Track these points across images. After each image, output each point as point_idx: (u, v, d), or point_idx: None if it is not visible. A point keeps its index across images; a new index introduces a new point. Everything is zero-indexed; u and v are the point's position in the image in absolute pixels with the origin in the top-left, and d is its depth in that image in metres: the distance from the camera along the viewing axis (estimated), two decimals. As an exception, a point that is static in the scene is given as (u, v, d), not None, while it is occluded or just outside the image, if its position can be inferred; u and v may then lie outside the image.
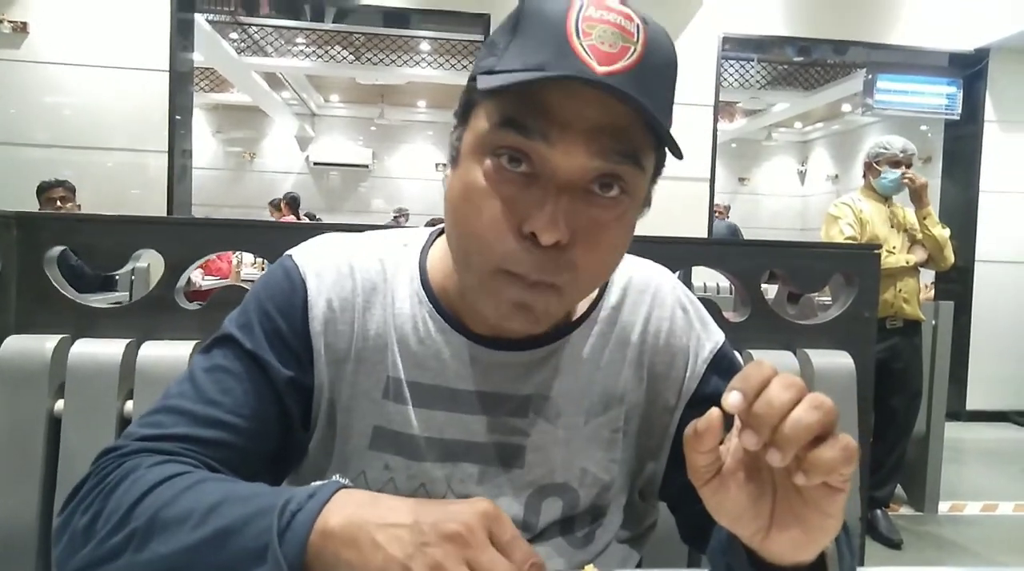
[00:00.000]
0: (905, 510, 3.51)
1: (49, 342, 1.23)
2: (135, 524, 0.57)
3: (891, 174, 3.14)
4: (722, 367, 0.82)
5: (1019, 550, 3.17)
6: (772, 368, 0.50)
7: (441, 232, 0.81)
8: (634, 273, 0.83)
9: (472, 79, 0.65)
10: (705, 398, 0.80)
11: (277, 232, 1.35)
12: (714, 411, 0.50)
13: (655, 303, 0.81)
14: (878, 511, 3.17)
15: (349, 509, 0.53)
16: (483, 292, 0.65)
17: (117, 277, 4.01)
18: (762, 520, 0.53)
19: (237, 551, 0.53)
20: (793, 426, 0.47)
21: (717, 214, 6.52)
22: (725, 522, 0.55)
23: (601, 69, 0.58)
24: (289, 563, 0.51)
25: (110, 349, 1.23)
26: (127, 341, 1.25)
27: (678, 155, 0.64)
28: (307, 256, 0.77)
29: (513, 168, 0.61)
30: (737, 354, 0.87)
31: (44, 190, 3.89)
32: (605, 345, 0.79)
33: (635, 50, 0.59)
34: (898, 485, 3.46)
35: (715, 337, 0.83)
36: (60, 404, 1.22)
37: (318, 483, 0.57)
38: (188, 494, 0.58)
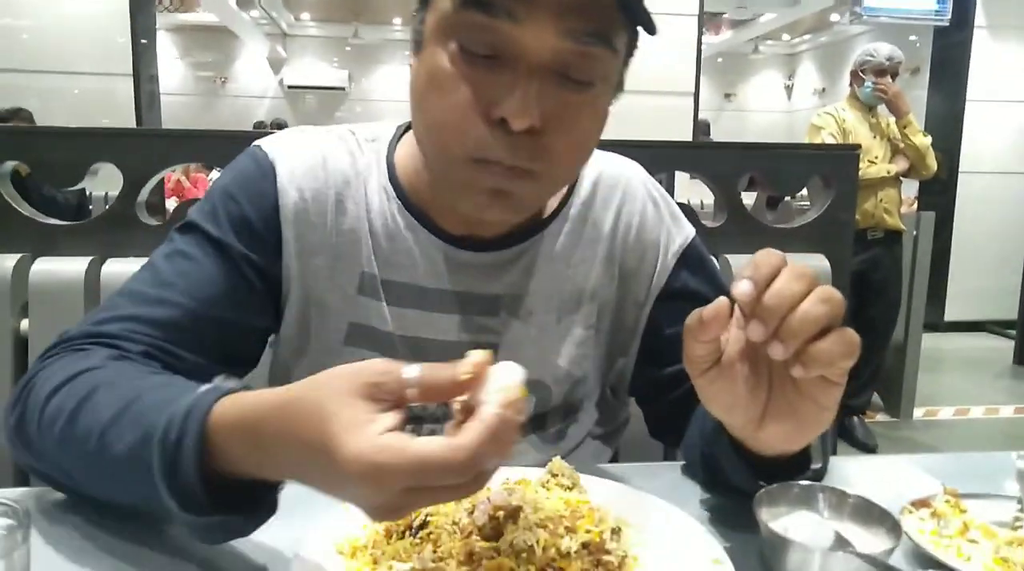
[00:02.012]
0: (881, 417, 3.61)
1: (8, 261, 1.19)
2: (52, 434, 0.57)
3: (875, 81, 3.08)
4: (692, 261, 0.81)
5: (987, 448, 3.29)
6: (782, 257, 0.48)
7: (408, 128, 0.78)
8: (604, 167, 0.81)
9: None
10: (674, 293, 0.79)
11: (242, 143, 1.29)
12: (722, 300, 0.49)
13: (626, 198, 0.80)
14: (855, 418, 3.26)
15: (236, 448, 0.47)
16: (458, 183, 0.64)
17: (91, 207, 3.92)
18: (756, 410, 0.52)
19: (136, 485, 0.51)
20: (801, 319, 0.46)
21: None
22: (718, 412, 0.55)
23: None
24: (195, 506, 0.47)
25: (72, 267, 1.20)
26: (89, 259, 1.21)
27: (651, 30, 0.61)
28: (277, 146, 0.74)
29: (479, 51, 0.59)
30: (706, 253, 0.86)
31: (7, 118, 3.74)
32: (576, 242, 0.78)
33: None
34: (875, 393, 3.55)
35: (685, 231, 0.82)
36: (25, 323, 1.20)
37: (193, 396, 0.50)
38: (86, 407, 0.56)
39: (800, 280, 0.47)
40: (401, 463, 0.39)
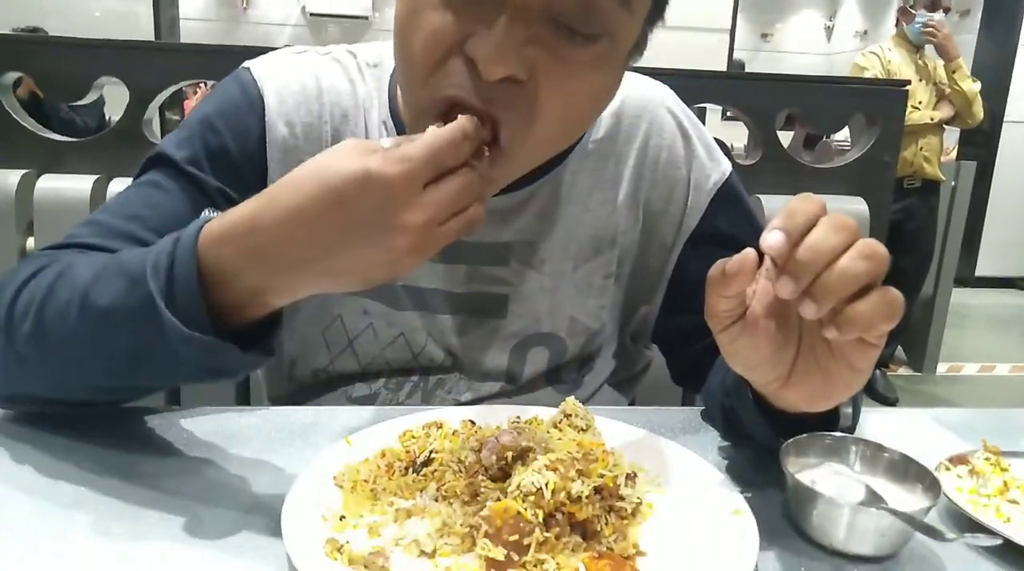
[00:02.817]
0: (904, 371, 3.56)
1: (12, 177, 1.16)
2: (24, 329, 0.52)
3: (926, 18, 2.92)
4: (728, 201, 0.74)
5: (1011, 406, 3.23)
6: (821, 204, 0.43)
7: None
8: (628, 92, 0.73)
9: None
10: (707, 235, 0.73)
11: (253, 57, 1.24)
12: (749, 252, 0.43)
13: (652, 130, 0.73)
14: (876, 371, 3.22)
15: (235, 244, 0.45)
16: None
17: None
18: (782, 369, 0.48)
19: (128, 334, 0.48)
20: (839, 277, 0.41)
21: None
22: (741, 369, 0.50)
23: None
24: (196, 324, 0.45)
25: (78, 185, 1.17)
26: (95, 177, 1.18)
27: None
28: (268, 70, 0.67)
29: None
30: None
31: None
32: (596, 182, 0.71)
33: None
34: (899, 346, 3.49)
35: (722, 167, 0.75)
36: (31, 242, 1.18)
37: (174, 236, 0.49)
38: (59, 284, 0.52)
39: (840, 232, 0.41)
40: (419, 149, 0.42)
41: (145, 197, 0.64)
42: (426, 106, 0.53)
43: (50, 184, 1.18)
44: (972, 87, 2.98)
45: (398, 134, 0.67)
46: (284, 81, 0.67)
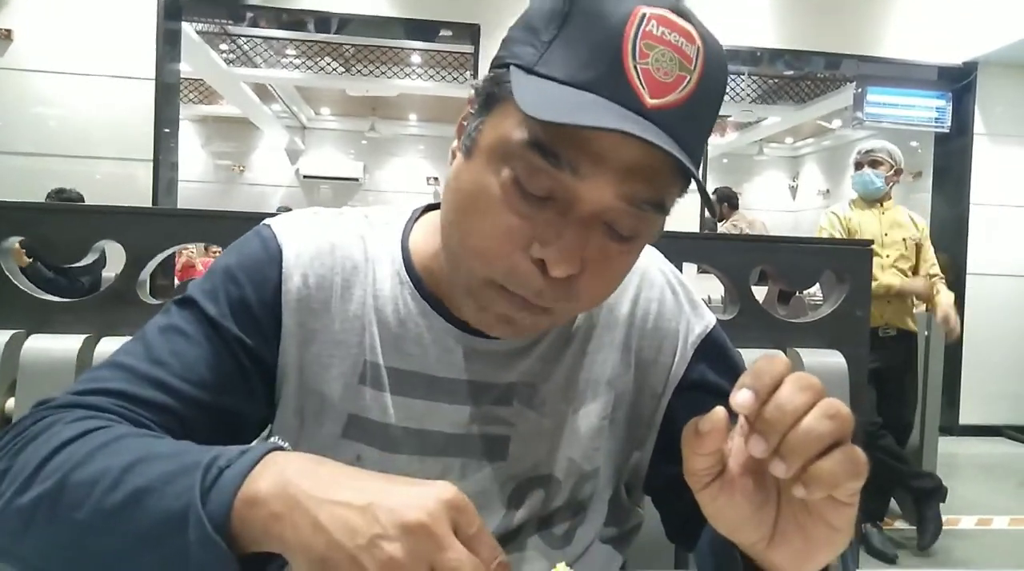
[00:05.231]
0: (900, 524, 3.45)
1: (1, 337, 1.16)
2: (43, 487, 0.51)
3: (855, 176, 3.15)
4: (711, 352, 0.77)
5: (1015, 564, 3.12)
6: (786, 364, 0.45)
7: (424, 210, 0.77)
8: None
9: (502, 65, 0.59)
10: (692, 384, 0.75)
11: (246, 223, 1.30)
12: (719, 410, 0.45)
13: (643, 284, 0.77)
14: (869, 526, 3.12)
15: (285, 475, 0.46)
16: (470, 298, 0.62)
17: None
18: (764, 530, 0.48)
19: (156, 515, 0.47)
20: (803, 436, 0.42)
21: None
22: (724, 530, 0.50)
23: (652, 102, 0.54)
24: (215, 526, 0.44)
25: (66, 345, 1.17)
26: (84, 337, 1.18)
27: (714, 214, 0.64)
28: (286, 227, 0.72)
29: (533, 191, 0.57)
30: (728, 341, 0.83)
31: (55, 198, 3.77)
32: (592, 328, 0.75)
33: (690, 80, 0.55)
34: (892, 499, 3.41)
35: (705, 319, 0.79)
36: (11, 403, 1.16)
37: (255, 444, 0.51)
38: (104, 452, 0.51)
39: (805, 392, 0.43)
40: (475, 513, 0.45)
41: (171, 343, 0.65)
42: (483, 277, 0.60)
43: (38, 344, 1.18)
44: (946, 299, 3.13)
45: (412, 284, 0.71)
46: (301, 239, 0.71)
